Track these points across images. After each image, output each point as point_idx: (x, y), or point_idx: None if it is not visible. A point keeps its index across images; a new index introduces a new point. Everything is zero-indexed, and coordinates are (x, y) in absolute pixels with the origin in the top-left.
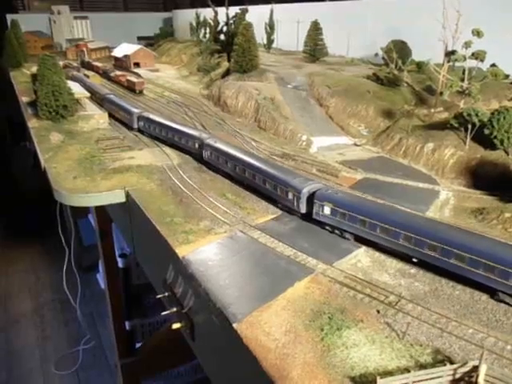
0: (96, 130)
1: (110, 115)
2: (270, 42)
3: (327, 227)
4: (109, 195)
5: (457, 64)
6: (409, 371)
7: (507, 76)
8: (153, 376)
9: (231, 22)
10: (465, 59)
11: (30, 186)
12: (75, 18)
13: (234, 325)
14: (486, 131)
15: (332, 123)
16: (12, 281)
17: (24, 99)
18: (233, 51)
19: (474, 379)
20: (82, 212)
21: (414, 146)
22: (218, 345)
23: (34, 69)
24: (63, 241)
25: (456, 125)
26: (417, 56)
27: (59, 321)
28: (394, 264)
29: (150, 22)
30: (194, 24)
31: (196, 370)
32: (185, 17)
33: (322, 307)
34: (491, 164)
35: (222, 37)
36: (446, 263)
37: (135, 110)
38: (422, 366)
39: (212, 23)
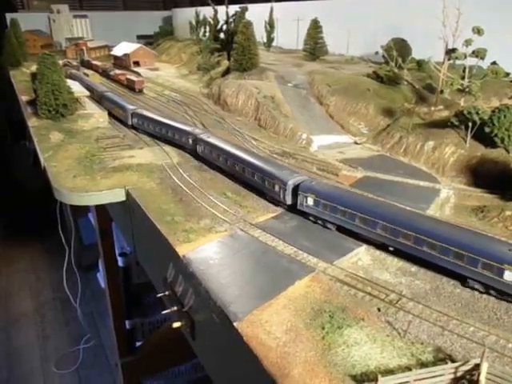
0: (96, 129)
1: (110, 114)
2: (270, 40)
3: (311, 217)
4: (109, 194)
5: (457, 62)
6: (410, 370)
7: (508, 74)
8: (153, 375)
9: (231, 20)
10: (465, 57)
11: (30, 185)
12: (75, 16)
13: (235, 323)
14: (487, 129)
15: (332, 122)
16: (12, 280)
17: (24, 98)
18: (233, 50)
19: (475, 377)
20: (82, 211)
21: (414, 145)
22: (219, 344)
23: (34, 68)
24: (63, 240)
25: (456, 123)
26: (417, 54)
27: (59, 320)
28: (394, 262)
29: (150, 20)
30: (194, 23)
31: (196, 368)
32: (184, 15)
33: (323, 306)
34: (492, 162)
35: (222, 35)
36: (419, 251)
37: (130, 107)
38: (424, 365)
39: (212, 22)
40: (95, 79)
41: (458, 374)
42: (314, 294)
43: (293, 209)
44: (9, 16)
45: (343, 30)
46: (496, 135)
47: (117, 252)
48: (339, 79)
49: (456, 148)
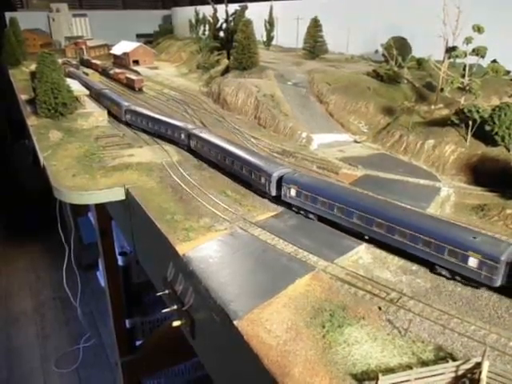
0: (95, 128)
1: (110, 113)
2: (270, 39)
3: (294, 208)
4: (108, 193)
5: (457, 60)
6: (411, 368)
7: (508, 72)
8: (153, 374)
9: (231, 19)
10: (465, 55)
11: (30, 184)
12: (74, 15)
13: (235, 322)
14: (487, 128)
15: (332, 120)
16: (12, 279)
17: (23, 97)
18: (232, 48)
19: (476, 376)
20: (81, 210)
21: (414, 143)
22: (219, 342)
23: (33, 67)
24: (63, 239)
25: (457, 121)
26: (417, 52)
27: (60, 319)
28: (395, 261)
29: (149, 19)
30: (194, 21)
31: (196, 367)
32: (184, 14)
33: (323, 304)
34: (492, 161)
35: (222, 34)
36: (391, 239)
37: (124, 103)
38: (424, 363)
39: (211, 20)
40: (95, 78)
41: (459, 373)
42: (315, 292)
43: (278, 200)
44: (8, 15)
45: (343, 29)
46: (496, 133)
47: (117, 251)
48: (339, 78)
49: (456, 146)
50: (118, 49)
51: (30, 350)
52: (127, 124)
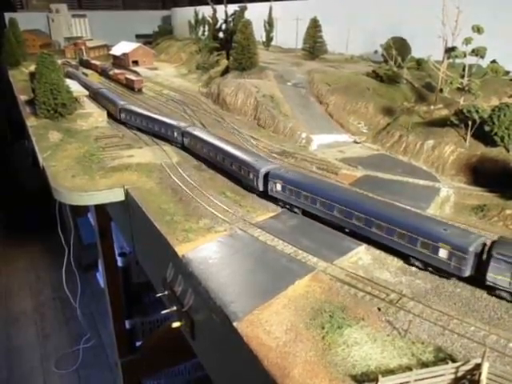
0: (95, 129)
1: (109, 115)
2: (269, 39)
3: (280, 202)
4: (108, 194)
5: (457, 61)
6: (411, 369)
7: (507, 73)
8: (153, 374)
9: (230, 19)
10: (465, 56)
11: (30, 185)
12: (73, 16)
13: (235, 323)
14: (487, 128)
15: (332, 121)
16: (12, 279)
17: (22, 98)
18: (232, 49)
19: (476, 377)
20: (81, 211)
21: (414, 143)
22: (219, 343)
23: (33, 67)
24: (63, 240)
25: (456, 122)
26: (416, 53)
27: (59, 319)
28: (395, 262)
29: (149, 19)
30: (193, 22)
31: (196, 368)
32: (183, 15)
33: (323, 305)
34: (492, 161)
35: (221, 35)
36: (369, 232)
37: (120, 102)
38: (424, 365)
39: (211, 21)
40: (94, 79)
41: (459, 374)
42: (314, 293)
43: (266, 195)
44: (8, 16)
45: (343, 29)
46: (496, 134)
47: (116, 252)
48: (339, 78)
49: (456, 147)
50: (118, 49)
51: (30, 350)
52: (123, 123)
